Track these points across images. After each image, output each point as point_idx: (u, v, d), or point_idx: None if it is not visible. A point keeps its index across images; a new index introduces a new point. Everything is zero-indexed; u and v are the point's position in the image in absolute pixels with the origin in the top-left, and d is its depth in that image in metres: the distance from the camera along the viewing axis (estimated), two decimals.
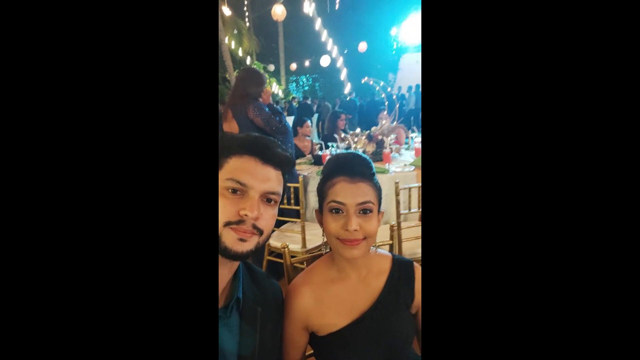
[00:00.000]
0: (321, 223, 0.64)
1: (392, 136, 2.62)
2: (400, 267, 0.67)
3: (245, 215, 0.51)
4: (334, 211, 0.59)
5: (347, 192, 0.59)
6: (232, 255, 0.52)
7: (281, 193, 0.57)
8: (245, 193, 0.52)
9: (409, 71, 9.84)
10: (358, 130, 2.61)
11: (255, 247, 0.53)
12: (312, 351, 0.72)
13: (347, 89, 7.77)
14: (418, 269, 0.68)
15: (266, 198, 0.54)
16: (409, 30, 8.56)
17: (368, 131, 2.53)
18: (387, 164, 2.17)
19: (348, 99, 7.84)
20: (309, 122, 2.86)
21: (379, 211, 0.61)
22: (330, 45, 7.07)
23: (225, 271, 0.57)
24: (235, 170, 0.53)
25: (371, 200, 0.59)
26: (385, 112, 2.61)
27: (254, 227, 0.52)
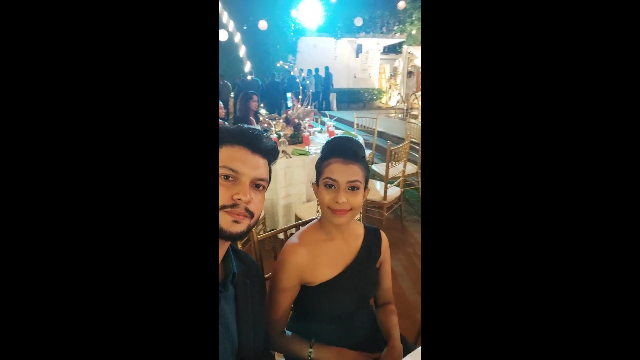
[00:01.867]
0: (317, 194, 0.76)
1: (307, 119, 2.78)
2: (370, 231, 0.86)
3: (239, 199, 0.56)
4: (327, 186, 0.72)
5: (340, 171, 0.71)
6: (227, 236, 0.57)
7: (268, 179, 0.64)
8: (237, 179, 0.58)
9: (307, 54, 10.13)
10: (269, 113, 2.66)
11: (247, 229, 0.59)
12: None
13: (247, 67, 7.49)
14: (382, 233, 0.88)
15: (255, 184, 0.60)
16: (306, 13, 8.73)
17: (285, 114, 2.62)
18: (306, 146, 2.33)
19: (249, 78, 7.58)
20: (220, 103, 2.73)
21: (365, 188, 0.76)
22: (226, 18, 6.60)
23: (220, 251, 0.62)
24: (228, 158, 0.58)
25: (359, 179, 0.72)
26: (300, 97, 2.73)
27: (246, 210, 0.58)
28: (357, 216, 0.86)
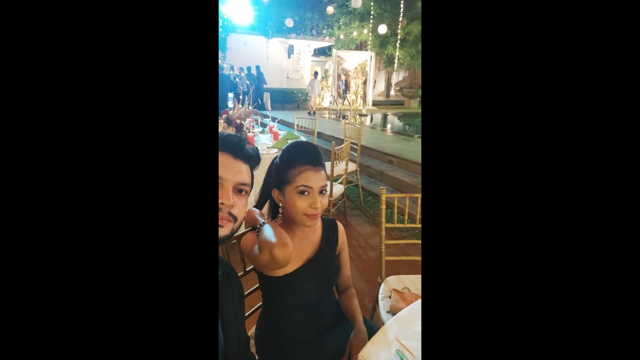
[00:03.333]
0: (279, 201, 0.79)
1: (247, 120, 2.75)
2: (327, 223, 0.93)
3: (222, 203, 0.58)
4: (301, 193, 0.76)
5: (314, 178, 0.76)
6: None
7: (250, 184, 0.65)
8: (220, 185, 0.59)
9: (237, 52, 9.82)
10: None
11: (231, 232, 0.61)
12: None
13: None
14: (338, 223, 0.95)
15: (238, 189, 0.61)
16: (235, 9, 8.43)
17: (226, 115, 2.54)
18: None
19: None
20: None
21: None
22: None
23: None
24: None
25: (326, 183, 0.79)
26: (241, 97, 2.67)
27: (230, 214, 0.59)
28: None
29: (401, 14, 8.15)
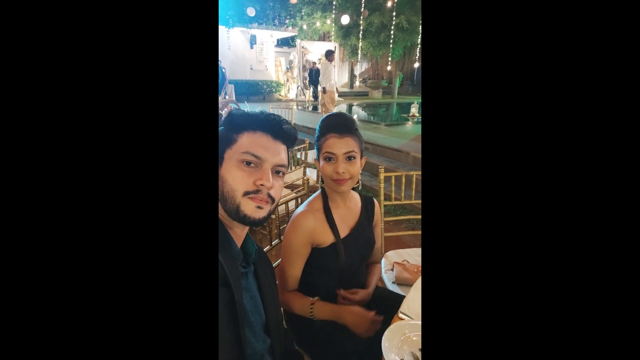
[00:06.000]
0: (319, 169, 0.85)
1: (225, 110, 2.68)
2: (366, 199, 0.99)
3: (262, 185, 0.57)
4: (327, 159, 0.81)
5: (337, 145, 0.80)
6: (251, 222, 0.58)
7: (287, 165, 0.64)
8: (259, 165, 0.58)
9: None
10: None
11: (268, 214, 0.60)
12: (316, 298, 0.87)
13: None
14: (375, 200, 1.01)
15: (276, 170, 0.60)
16: None
17: None
18: None
19: None
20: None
21: (361, 157, 0.85)
22: None
23: (242, 233, 0.64)
24: (250, 144, 0.58)
25: (354, 149, 0.82)
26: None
27: (269, 195, 0.58)
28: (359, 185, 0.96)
29: (362, 4, 8.26)
